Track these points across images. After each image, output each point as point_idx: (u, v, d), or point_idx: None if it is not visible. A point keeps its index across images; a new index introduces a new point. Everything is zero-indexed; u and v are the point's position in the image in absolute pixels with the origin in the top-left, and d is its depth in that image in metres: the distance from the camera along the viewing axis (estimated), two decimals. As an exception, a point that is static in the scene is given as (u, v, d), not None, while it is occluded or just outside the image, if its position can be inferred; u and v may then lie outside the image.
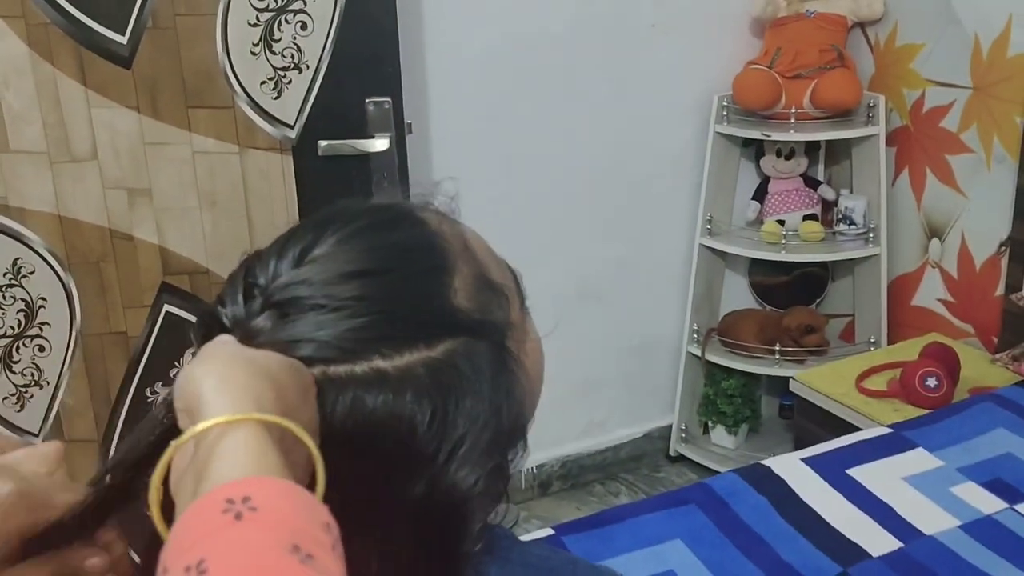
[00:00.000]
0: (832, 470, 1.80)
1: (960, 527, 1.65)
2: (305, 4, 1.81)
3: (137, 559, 0.59)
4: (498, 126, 2.44)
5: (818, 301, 2.89)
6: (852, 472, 1.80)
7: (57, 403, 1.94)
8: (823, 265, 2.85)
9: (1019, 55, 2.29)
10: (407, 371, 0.57)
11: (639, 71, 2.56)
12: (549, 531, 1.66)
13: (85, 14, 1.76)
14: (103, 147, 1.83)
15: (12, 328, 1.88)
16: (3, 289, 1.86)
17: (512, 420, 0.61)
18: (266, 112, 1.86)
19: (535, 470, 2.76)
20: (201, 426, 0.49)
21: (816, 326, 2.68)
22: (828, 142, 2.74)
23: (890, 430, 1.95)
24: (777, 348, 2.66)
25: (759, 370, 2.71)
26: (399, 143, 1.91)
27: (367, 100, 1.88)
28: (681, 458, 2.91)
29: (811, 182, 2.73)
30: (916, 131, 2.58)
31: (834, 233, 2.66)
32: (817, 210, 2.71)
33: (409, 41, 2.08)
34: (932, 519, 1.67)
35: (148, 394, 1.97)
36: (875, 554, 1.59)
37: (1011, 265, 2.38)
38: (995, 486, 1.76)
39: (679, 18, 2.56)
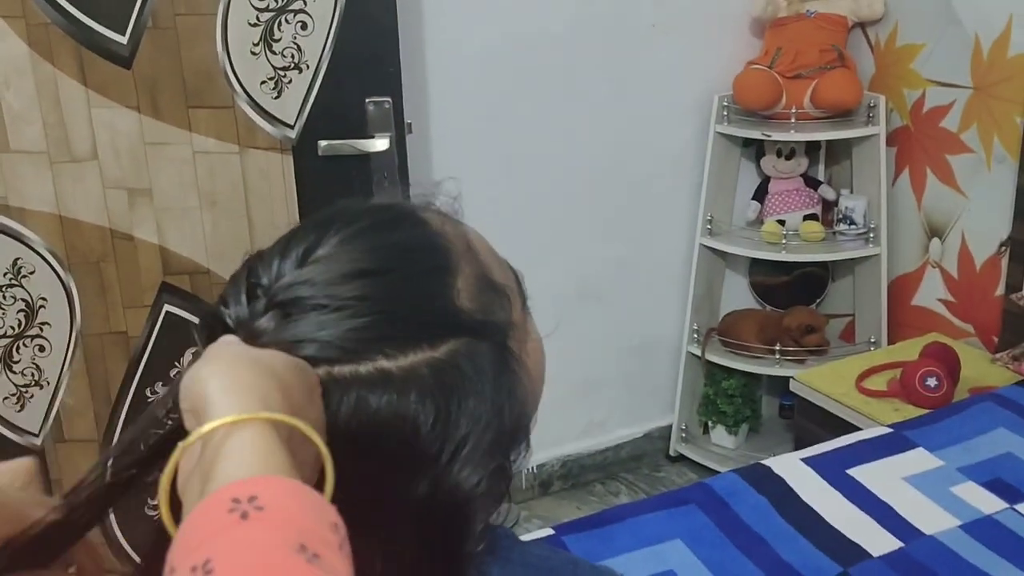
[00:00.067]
0: (832, 470, 1.80)
1: (960, 527, 1.65)
2: (305, 4, 1.81)
3: (137, 559, 0.59)
4: (498, 126, 2.44)
5: (818, 301, 2.89)
6: (852, 472, 1.80)
7: (57, 403, 1.94)
8: (823, 265, 2.85)
9: (1019, 55, 2.29)
10: (411, 371, 0.57)
11: (639, 71, 2.56)
12: (549, 531, 1.66)
13: (85, 14, 1.76)
14: (103, 147, 1.83)
15: (12, 328, 1.88)
16: (3, 289, 1.86)
17: (514, 420, 0.61)
18: (266, 112, 1.86)
19: (535, 470, 2.76)
20: (208, 426, 0.49)
21: (816, 326, 2.68)
22: (828, 142, 2.74)
23: (890, 430, 1.95)
24: (777, 348, 2.66)
25: (759, 370, 2.71)
26: (399, 143, 1.91)
27: (367, 100, 1.88)
28: (681, 458, 2.91)
29: (811, 182, 2.73)
30: (916, 131, 2.58)
31: (834, 233, 2.66)
32: (817, 210, 2.71)
33: (409, 41, 2.08)
34: (932, 519, 1.67)
35: (148, 394, 1.97)
36: (875, 554, 1.58)
37: (1011, 265, 2.38)
38: (995, 486, 1.76)
39: (679, 18, 2.56)
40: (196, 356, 0.59)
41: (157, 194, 1.87)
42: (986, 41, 2.35)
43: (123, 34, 1.79)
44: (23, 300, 1.87)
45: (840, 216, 2.65)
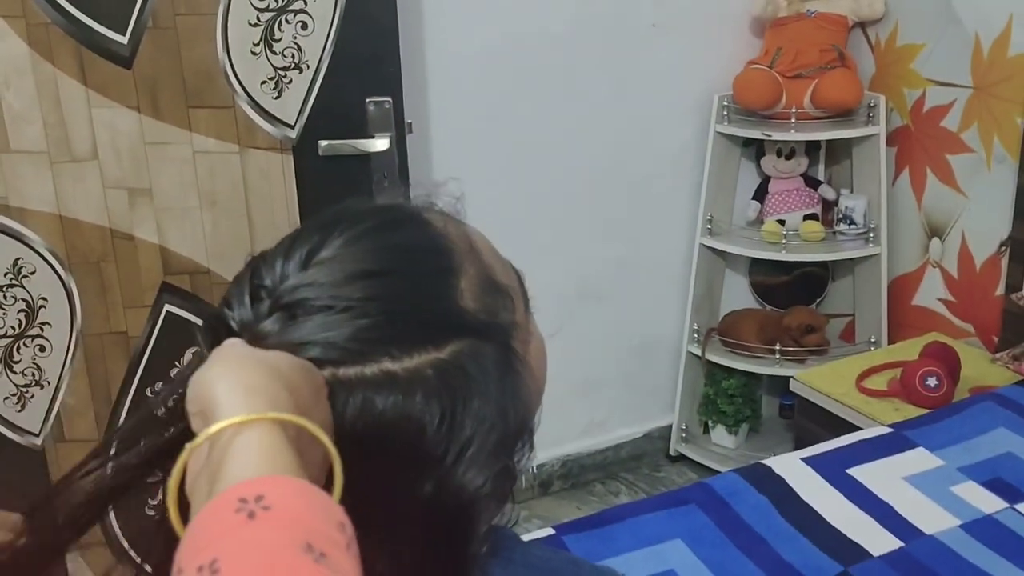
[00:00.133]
0: (832, 470, 1.80)
1: (960, 526, 1.65)
2: (305, 4, 1.81)
3: (138, 559, 0.60)
4: (498, 126, 2.44)
5: (818, 301, 2.89)
6: (852, 472, 1.80)
7: (58, 403, 1.94)
8: (823, 265, 2.85)
9: (1020, 55, 2.29)
10: (416, 373, 0.57)
11: (639, 71, 2.56)
12: (550, 531, 1.66)
13: (86, 14, 1.76)
14: (103, 147, 1.83)
15: (13, 328, 1.88)
16: (4, 289, 1.86)
17: (518, 421, 0.61)
18: (266, 112, 1.86)
19: (535, 470, 2.75)
20: (215, 427, 0.49)
21: (816, 326, 2.68)
22: (828, 142, 2.74)
23: (890, 430, 1.95)
24: (777, 348, 2.66)
25: (759, 370, 2.71)
26: (399, 143, 1.91)
27: (367, 100, 1.88)
28: (681, 458, 2.91)
29: (811, 182, 2.73)
30: (916, 131, 2.58)
31: (834, 233, 2.66)
32: (817, 210, 2.71)
33: (409, 41, 2.08)
34: (932, 518, 1.67)
35: (149, 394, 1.97)
36: (876, 553, 1.58)
37: (1011, 265, 2.38)
38: (995, 485, 1.76)
39: (679, 18, 2.56)
40: (197, 357, 0.59)
41: (157, 194, 1.87)
42: (986, 41, 2.35)
43: (123, 34, 1.79)
44: (23, 300, 1.87)
45: (840, 216, 2.65)
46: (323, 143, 1.89)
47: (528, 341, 0.66)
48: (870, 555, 1.58)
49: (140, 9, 1.77)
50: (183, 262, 1.92)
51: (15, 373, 1.90)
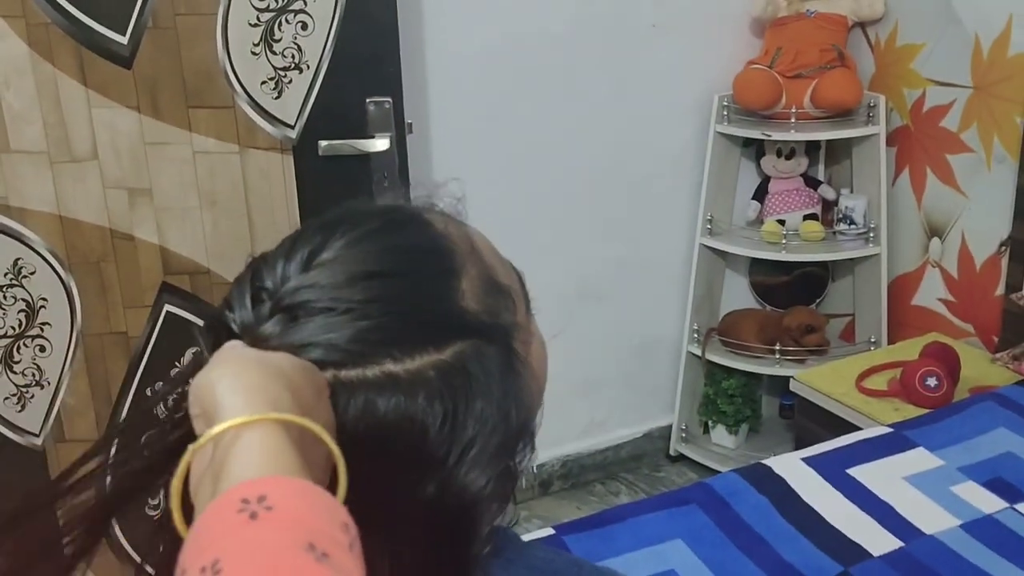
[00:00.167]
0: (833, 470, 1.80)
1: (961, 526, 1.65)
2: (305, 4, 1.81)
3: (138, 559, 0.60)
4: (498, 126, 2.44)
5: (818, 301, 2.89)
6: (853, 472, 1.80)
7: (58, 403, 1.94)
8: (823, 265, 2.85)
9: (1019, 55, 2.29)
10: (418, 374, 0.57)
11: (639, 71, 2.56)
12: (550, 531, 1.66)
13: (85, 14, 1.76)
14: (103, 147, 1.83)
15: (13, 328, 1.88)
16: (4, 289, 1.86)
17: (520, 422, 0.61)
18: (266, 112, 1.86)
19: (535, 469, 2.75)
20: (218, 428, 0.49)
21: (816, 326, 2.68)
22: (828, 142, 2.74)
23: (890, 430, 1.95)
24: (777, 348, 2.66)
25: (759, 370, 2.71)
26: (399, 143, 1.91)
27: (367, 100, 1.88)
28: (681, 458, 2.91)
29: (811, 182, 2.73)
30: (916, 131, 2.58)
31: (834, 233, 2.66)
32: (817, 210, 2.71)
33: (409, 41, 2.08)
34: (933, 518, 1.67)
35: (149, 394, 1.97)
36: (876, 553, 1.58)
37: (1011, 265, 2.38)
38: (995, 485, 1.76)
39: (679, 18, 2.56)
40: (197, 358, 0.59)
41: (157, 194, 1.87)
42: (986, 41, 2.35)
43: (123, 34, 1.79)
44: (24, 300, 1.87)
45: (840, 216, 2.65)
46: (323, 143, 1.89)
47: (529, 342, 0.66)
48: (870, 555, 1.58)
49: (140, 9, 1.77)
50: (183, 262, 1.92)
51: (15, 373, 1.90)
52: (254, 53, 1.82)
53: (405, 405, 0.57)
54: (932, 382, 2.15)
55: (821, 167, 2.82)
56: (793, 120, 2.54)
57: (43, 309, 1.89)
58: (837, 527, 1.65)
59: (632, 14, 2.51)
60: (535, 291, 0.70)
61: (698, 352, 2.77)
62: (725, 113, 2.61)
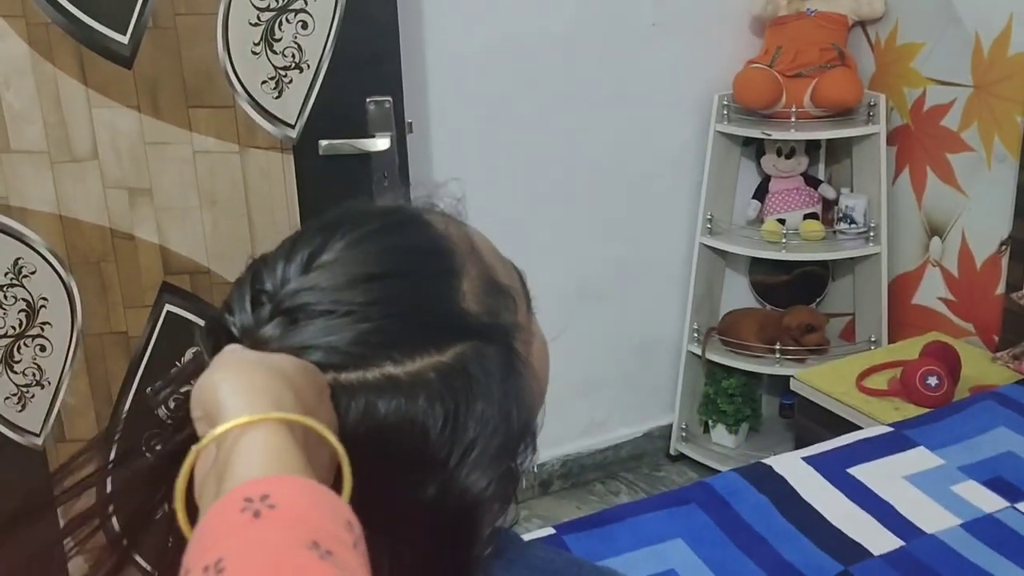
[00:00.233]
0: (833, 469, 1.80)
1: (961, 526, 1.65)
2: (306, 3, 1.81)
3: (142, 562, 0.60)
4: (498, 126, 2.44)
5: (818, 300, 2.89)
6: (853, 471, 1.80)
7: (58, 403, 1.94)
8: (823, 264, 2.85)
9: (1020, 54, 2.29)
10: (419, 376, 0.57)
11: (639, 70, 2.56)
12: (550, 530, 1.66)
13: (86, 14, 1.76)
14: (104, 147, 1.83)
15: (13, 328, 1.88)
16: (4, 289, 1.86)
17: (521, 423, 0.60)
18: (267, 111, 1.86)
19: (536, 469, 2.76)
20: (221, 428, 0.49)
21: (816, 325, 2.68)
22: (829, 141, 2.74)
23: (891, 429, 1.95)
24: (777, 347, 2.66)
25: (760, 369, 2.71)
26: (400, 142, 1.91)
27: (368, 99, 1.88)
28: (682, 457, 2.91)
29: (812, 181, 2.73)
30: (917, 130, 2.58)
31: (835, 232, 2.66)
32: (818, 209, 2.71)
33: (409, 40, 2.08)
34: (933, 518, 1.67)
35: (148, 394, 1.97)
36: (876, 553, 1.58)
37: (1012, 264, 2.38)
38: (996, 484, 1.76)
39: (679, 17, 2.56)
40: (197, 359, 0.59)
41: (158, 194, 1.87)
42: (986, 40, 2.35)
43: (124, 34, 1.79)
44: (24, 300, 1.87)
45: (840, 215, 2.65)
46: (323, 143, 1.89)
47: (530, 342, 0.66)
48: (871, 554, 1.58)
49: (140, 9, 1.77)
50: (183, 262, 1.92)
51: (16, 373, 1.90)
52: (254, 53, 1.82)
53: (406, 407, 0.56)
54: (932, 381, 2.15)
55: (821, 166, 2.81)
56: (793, 119, 2.54)
57: (43, 309, 1.89)
58: (837, 526, 1.65)
59: (632, 14, 2.51)
60: (535, 291, 0.70)
61: (698, 351, 2.77)
62: (725, 112, 2.61)
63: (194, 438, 0.52)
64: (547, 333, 0.70)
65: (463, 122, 2.38)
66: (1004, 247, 2.40)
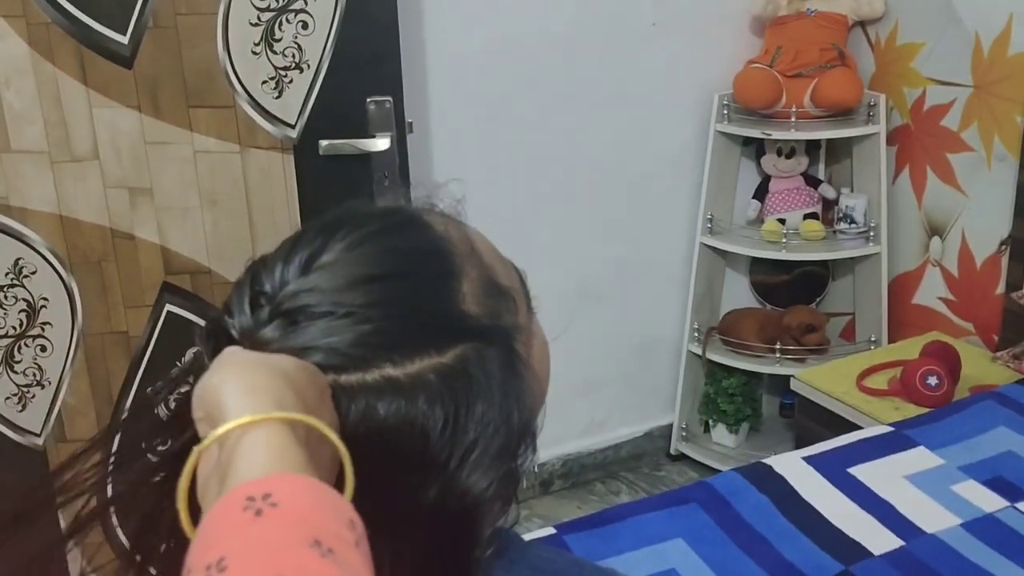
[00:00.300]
0: (833, 469, 1.80)
1: (961, 525, 1.65)
2: (306, 4, 1.81)
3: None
4: (498, 126, 2.44)
5: (819, 300, 2.89)
6: (853, 471, 1.80)
7: (59, 403, 1.94)
8: (824, 264, 2.85)
9: (1020, 54, 2.29)
10: (418, 378, 0.57)
11: (639, 70, 2.56)
12: (551, 530, 1.66)
13: (86, 14, 1.76)
14: (104, 147, 1.83)
15: (14, 328, 1.88)
16: (5, 289, 1.86)
17: (522, 424, 0.60)
18: (267, 111, 1.86)
19: (536, 469, 2.76)
20: (222, 428, 0.49)
21: (817, 325, 2.68)
22: (829, 141, 2.74)
23: (891, 429, 1.95)
24: (778, 347, 2.66)
25: (760, 369, 2.71)
26: (400, 142, 1.91)
27: (368, 99, 1.88)
28: (682, 457, 2.91)
29: (812, 181, 2.73)
30: (917, 130, 2.58)
31: (835, 232, 2.66)
32: (818, 209, 2.71)
33: (410, 40, 2.08)
34: (933, 517, 1.67)
35: (148, 393, 1.97)
36: (876, 552, 1.59)
37: (1012, 263, 2.38)
38: (996, 484, 1.76)
39: (679, 17, 2.56)
40: (197, 359, 0.59)
41: (158, 194, 1.87)
42: (986, 39, 2.35)
43: (124, 34, 1.79)
44: (24, 300, 1.87)
45: (840, 215, 2.65)
46: (324, 143, 1.89)
47: (531, 343, 0.66)
48: (871, 554, 1.58)
49: (140, 9, 1.77)
50: (184, 262, 1.92)
51: (16, 373, 1.90)
52: (255, 53, 1.82)
53: (406, 409, 0.56)
54: (932, 381, 2.15)
55: (821, 166, 2.82)
56: (793, 119, 2.54)
57: (44, 309, 1.89)
58: (838, 526, 1.65)
59: (632, 13, 2.51)
60: (535, 291, 0.70)
61: (698, 351, 2.77)
62: (725, 112, 2.61)
63: (196, 440, 0.52)
64: (547, 333, 0.70)
65: (463, 122, 2.38)
66: (1004, 247, 2.40)
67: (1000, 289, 2.43)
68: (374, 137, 1.89)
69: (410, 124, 1.96)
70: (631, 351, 2.82)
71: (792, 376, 2.41)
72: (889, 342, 2.66)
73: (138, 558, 0.61)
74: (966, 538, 1.62)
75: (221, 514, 0.44)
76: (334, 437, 0.51)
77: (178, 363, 1.94)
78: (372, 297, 0.58)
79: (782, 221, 2.67)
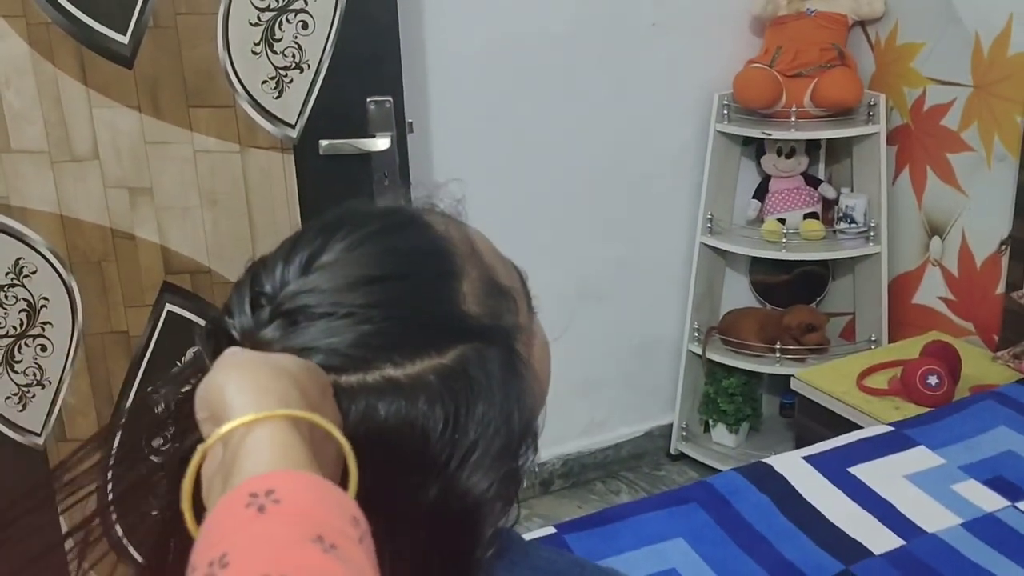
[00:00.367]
0: (833, 468, 1.80)
1: (962, 525, 1.65)
2: (306, 3, 1.81)
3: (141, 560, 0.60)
4: (498, 125, 2.44)
5: (819, 299, 2.89)
6: (853, 470, 1.80)
7: (59, 402, 1.94)
8: (824, 263, 2.85)
9: (1020, 54, 2.29)
10: (419, 379, 0.57)
11: (639, 70, 2.56)
12: (551, 530, 1.66)
13: (86, 14, 1.76)
14: (104, 146, 1.83)
15: (14, 328, 1.89)
16: (5, 289, 1.86)
17: (523, 424, 0.60)
18: (267, 111, 1.86)
19: (536, 469, 2.76)
20: (227, 427, 0.49)
21: (817, 324, 2.68)
22: (829, 141, 2.74)
23: (891, 428, 1.95)
24: (778, 347, 2.66)
25: (760, 368, 2.71)
26: (400, 142, 1.91)
27: (368, 99, 1.88)
28: (682, 456, 2.92)
29: (812, 180, 2.73)
30: (917, 129, 2.58)
31: (835, 231, 2.66)
32: (818, 208, 2.71)
33: (410, 40, 2.08)
34: (934, 517, 1.67)
35: (148, 393, 1.97)
36: (877, 552, 1.59)
37: (1012, 263, 2.38)
38: (996, 484, 1.76)
39: (679, 17, 2.56)
40: (198, 360, 0.59)
41: (158, 193, 1.87)
42: (986, 39, 2.35)
43: (124, 34, 1.79)
44: (25, 300, 1.87)
45: (840, 215, 2.65)
46: (324, 142, 1.89)
47: (531, 343, 0.66)
48: (871, 553, 1.58)
49: (141, 9, 1.77)
50: (184, 261, 1.92)
51: (16, 373, 1.90)
52: (255, 52, 1.82)
53: (406, 410, 0.56)
54: (933, 381, 2.15)
55: (821, 166, 2.82)
56: (793, 119, 2.54)
57: (44, 309, 1.89)
58: (838, 525, 1.65)
59: (632, 13, 2.51)
60: (535, 291, 0.70)
61: (699, 351, 2.77)
62: (725, 112, 2.61)
63: (200, 441, 0.52)
64: (548, 333, 0.70)
65: (463, 122, 2.38)
66: (1004, 246, 2.40)
67: (1000, 289, 2.43)
68: (374, 137, 1.89)
69: (410, 124, 1.96)
70: (631, 351, 2.82)
71: (792, 376, 2.41)
72: (889, 342, 2.66)
73: (144, 560, 0.61)
74: (966, 538, 1.62)
75: (224, 511, 0.44)
76: (337, 434, 0.51)
77: (179, 363, 1.94)
78: (372, 298, 0.58)
79: (782, 221, 2.67)
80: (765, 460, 1.86)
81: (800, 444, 2.15)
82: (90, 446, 0.60)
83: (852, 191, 2.69)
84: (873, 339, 2.68)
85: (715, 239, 2.68)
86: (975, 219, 2.47)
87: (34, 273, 1.86)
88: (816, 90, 2.52)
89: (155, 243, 1.90)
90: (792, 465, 1.82)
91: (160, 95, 1.82)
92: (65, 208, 1.85)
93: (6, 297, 1.86)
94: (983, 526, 1.65)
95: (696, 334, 2.79)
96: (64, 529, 0.61)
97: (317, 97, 1.86)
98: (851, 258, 2.70)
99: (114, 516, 0.60)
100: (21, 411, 1.92)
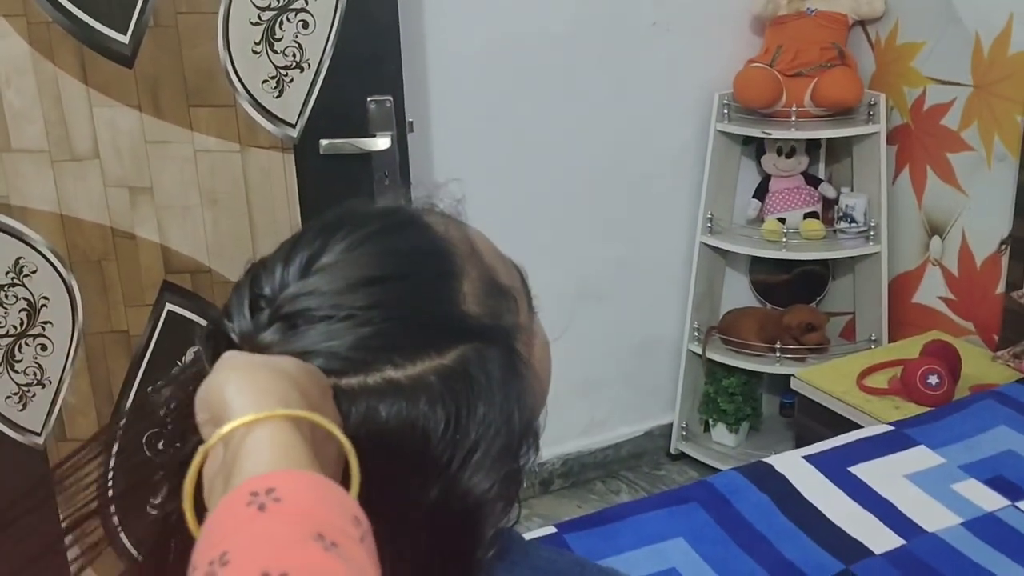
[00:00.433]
0: (834, 468, 1.80)
1: (962, 524, 1.65)
2: (307, 3, 1.81)
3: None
4: (498, 125, 2.44)
5: (819, 299, 2.89)
6: (854, 470, 1.80)
7: (59, 402, 1.94)
8: (824, 263, 2.85)
9: (1020, 53, 2.29)
10: (419, 380, 0.57)
11: (639, 70, 2.56)
12: (551, 529, 1.66)
13: (86, 13, 1.76)
14: (104, 146, 1.83)
15: (14, 327, 1.89)
16: (5, 288, 1.86)
17: (523, 424, 0.60)
18: (268, 111, 1.86)
19: (536, 468, 2.76)
20: (227, 427, 0.49)
21: (817, 324, 2.68)
22: (829, 140, 2.74)
23: (891, 428, 1.95)
24: (778, 346, 2.66)
25: (760, 368, 2.71)
26: (400, 142, 1.91)
27: (368, 99, 1.88)
28: (682, 456, 2.92)
29: (812, 180, 2.73)
30: (917, 129, 2.58)
31: (835, 231, 2.66)
32: (818, 208, 2.71)
33: (410, 40, 2.08)
34: (934, 516, 1.67)
35: (147, 394, 1.97)
36: (877, 551, 1.59)
37: (1012, 263, 2.38)
38: (997, 483, 1.76)
39: (679, 16, 2.56)
40: (198, 359, 0.58)
41: (158, 193, 1.87)
42: (986, 39, 2.35)
43: (124, 33, 1.79)
44: (25, 299, 1.88)
45: (840, 214, 2.65)
46: (324, 142, 1.89)
47: (532, 342, 0.65)
48: (872, 553, 1.58)
49: (141, 8, 1.77)
50: (184, 261, 1.92)
51: (16, 372, 1.91)
52: (255, 52, 1.82)
53: (407, 411, 0.56)
54: (933, 380, 2.16)
55: (822, 165, 2.82)
56: (793, 118, 2.54)
57: (44, 308, 1.89)
58: (838, 525, 1.65)
59: (632, 13, 2.51)
60: (535, 291, 0.70)
61: (699, 351, 2.77)
62: (725, 111, 2.61)
63: (200, 443, 0.52)
64: (548, 333, 0.70)
65: (463, 122, 2.38)
66: (1004, 246, 2.40)
67: (1000, 288, 2.43)
68: (374, 136, 1.89)
69: (410, 123, 1.96)
70: (631, 351, 2.82)
71: (792, 375, 2.41)
72: (889, 341, 2.66)
73: (144, 560, 0.61)
74: (967, 537, 1.62)
75: (225, 510, 0.44)
76: (338, 433, 0.51)
77: (179, 362, 1.94)
78: (372, 299, 0.58)
79: (782, 220, 2.67)
80: (765, 460, 1.86)
81: (800, 444, 2.15)
82: (90, 446, 0.60)
83: (852, 191, 2.69)
84: (873, 339, 2.68)
85: (715, 239, 2.68)
86: (975, 219, 2.47)
87: (34, 272, 1.86)
88: (816, 90, 2.52)
89: (155, 242, 1.90)
90: (792, 465, 1.82)
91: (160, 94, 1.82)
92: (65, 207, 1.85)
93: (6, 296, 1.86)
94: (983, 526, 1.65)
95: (696, 334, 2.79)
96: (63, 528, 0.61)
97: (317, 96, 1.86)
98: (851, 258, 2.70)
99: (114, 516, 0.60)
100: (21, 410, 1.92)
